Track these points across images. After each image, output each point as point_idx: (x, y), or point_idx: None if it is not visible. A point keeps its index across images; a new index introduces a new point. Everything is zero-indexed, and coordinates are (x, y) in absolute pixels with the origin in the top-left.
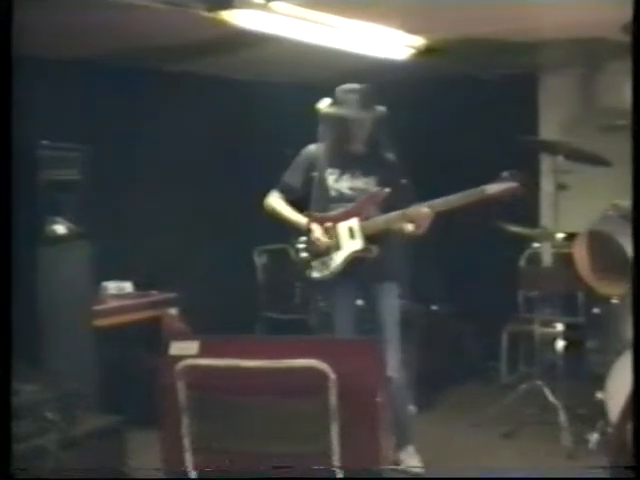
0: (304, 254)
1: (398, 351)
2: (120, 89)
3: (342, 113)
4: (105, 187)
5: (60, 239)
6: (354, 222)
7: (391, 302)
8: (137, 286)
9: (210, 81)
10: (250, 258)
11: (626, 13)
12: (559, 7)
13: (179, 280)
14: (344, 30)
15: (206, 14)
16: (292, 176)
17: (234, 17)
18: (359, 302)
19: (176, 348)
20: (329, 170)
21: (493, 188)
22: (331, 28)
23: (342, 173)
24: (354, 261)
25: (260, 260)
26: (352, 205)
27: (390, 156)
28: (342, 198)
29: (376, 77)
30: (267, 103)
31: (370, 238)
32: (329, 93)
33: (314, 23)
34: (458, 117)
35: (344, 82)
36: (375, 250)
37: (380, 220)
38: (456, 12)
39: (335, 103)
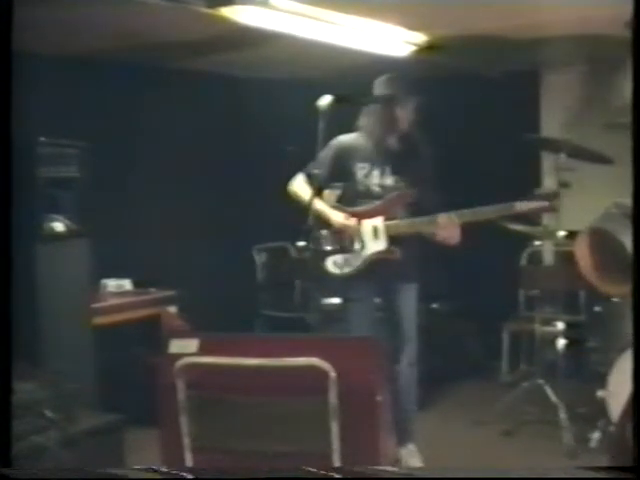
0: (324, 247)
1: (414, 351)
2: (120, 86)
3: (390, 92)
4: (104, 185)
5: (59, 237)
6: (379, 221)
7: (410, 302)
8: (136, 284)
9: (210, 78)
10: (250, 256)
11: (629, 10)
12: (561, 4)
13: (178, 278)
14: (345, 27)
15: (207, 11)
16: (319, 163)
17: (235, 14)
18: (377, 300)
19: (175, 346)
20: (359, 165)
21: (524, 205)
22: (332, 25)
23: (372, 169)
24: (376, 261)
25: (260, 258)
26: (379, 203)
27: (423, 155)
28: (369, 194)
29: (377, 74)
30: (268, 100)
31: (393, 239)
32: (330, 90)
33: (315, 20)
34: (459, 114)
35: (345, 79)
36: (397, 252)
37: (405, 223)
38: (458, 9)
39: (378, 89)
